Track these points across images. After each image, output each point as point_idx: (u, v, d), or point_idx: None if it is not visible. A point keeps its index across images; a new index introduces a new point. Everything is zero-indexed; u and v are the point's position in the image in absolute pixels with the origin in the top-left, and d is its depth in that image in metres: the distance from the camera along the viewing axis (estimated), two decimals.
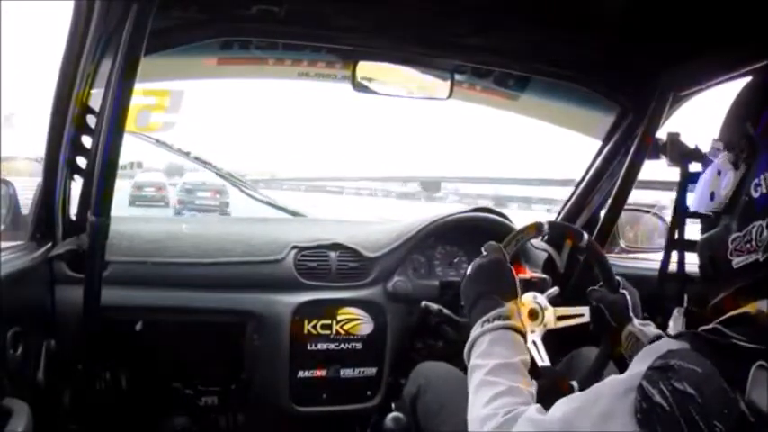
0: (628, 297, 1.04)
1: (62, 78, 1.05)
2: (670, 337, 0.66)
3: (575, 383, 0.98)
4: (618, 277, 1.07)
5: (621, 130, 1.50)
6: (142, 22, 0.95)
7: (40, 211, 1.18)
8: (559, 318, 1.05)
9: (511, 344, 0.78)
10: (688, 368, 0.55)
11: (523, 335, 0.81)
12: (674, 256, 0.83)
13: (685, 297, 0.75)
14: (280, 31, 1.29)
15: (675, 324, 0.74)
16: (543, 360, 0.98)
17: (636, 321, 1.01)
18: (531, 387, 0.74)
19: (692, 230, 0.76)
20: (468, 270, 0.91)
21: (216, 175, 1.82)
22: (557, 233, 1.15)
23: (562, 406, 0.65)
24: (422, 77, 1.39)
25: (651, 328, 1.00)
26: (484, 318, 0.81)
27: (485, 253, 0.92)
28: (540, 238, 1.60)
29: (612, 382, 0.61)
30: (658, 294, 0.86)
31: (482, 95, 1.58)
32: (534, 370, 0.94)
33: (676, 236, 0.81)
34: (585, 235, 1.08)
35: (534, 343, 1.00)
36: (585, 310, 1.07)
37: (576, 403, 0.63)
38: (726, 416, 0.52)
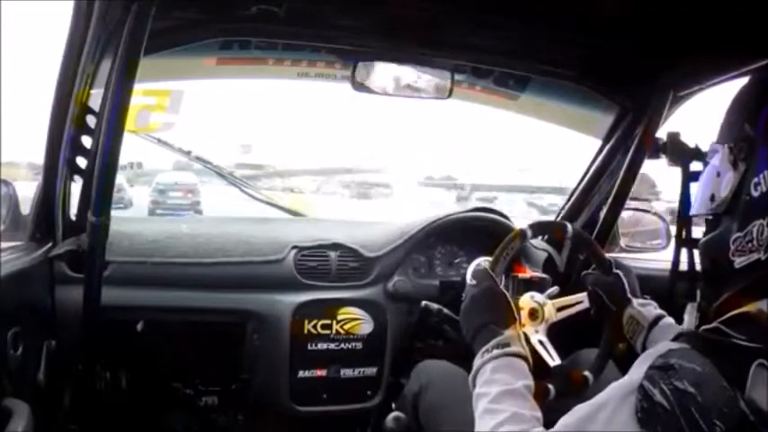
0: (623, 277, 1.03)
1: (62, 78, 1.05)
2: (672, 338, 0.66)
3: (588, 374, 0.98)
4: (609, 257, 1.07)
5: (621, 129, 1.50)
6: (142, 23, 0.95)
7: (40, 212, 1.17)
8: (559, 309, 1.05)
9: (513, 370, 0.78)
10: (688, 367, 0.55)
11: (526, 359, 0.81)
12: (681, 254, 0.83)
13: (698, 292, 0.75)
14: (280, 31, 1.29)
15: (690, 318, 0.75)
16: (554, 359, 0.98)
17: (635, 302, 1.01)
18: (537, 411, 0.74)
19: (699, 228, 0.76)
20: (463, 303, 0.91)
21: (218, 175, 1.82)
22: (540, 233, 1.15)
23: (566, 420, 0.65)
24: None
25: (651, 309, 1.00)
26: (484, 348, 0.81)
27: (474, 282, 0.92)
28: (540, 238, 1.60)
29: (613, 387, 0.61)
30: (667, 292, 0.86)
31: (482, 95, 1.58)
32: (545, 370, 0.94)
33: (683, 234, 0.81)
34: (569, 225, 1.08)
35: (541, 342, 1.00)
36: (583, 296, 1.07)
37: (580, 413, 0.63)
38: (726, 414, 0.52)
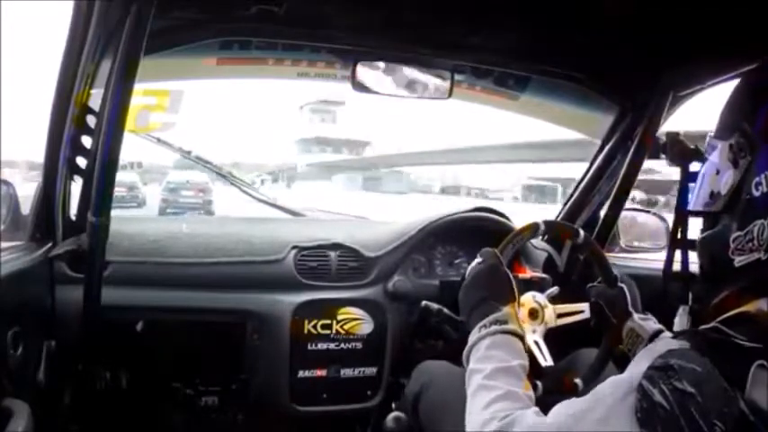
0: (626, 291, 1.03)
1: (62, 78, 1.05)
2: (672, 336, 0.66)
3: (578, 381, 0.98)
4: (615, 271, 1.07)
5: (621, 129, 1.50)
6: (142, 23, 0.95)
7: (40, 211, 1.17)
8: (559, 315, 1.05)
9: (509, 348, 0.77)
10: (688, 367, 0.55)
11: (522, 339, 0.80)
12: (675, 255, 0.83)
13: (690, 295, 0.74)
14: (279, 31, 1.29)
15: (681, 321, 0.74)
16: (546, 360, 0.98)
17: (636, 316, 1.01)
18: (530, 391, 0.74)
19: (695, 229, 0.76)
20: (465, 277, 0.90)
21: (217, 175, 1.82)
22: (553, 232, 1.16)
23: (561, 410, 0.65)
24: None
25: (651, 323, 1.00)
26: (481, 323, 0.80)
27: (480, 259, 0.91)
28: (541, 237, 1.60)
29: (612, 384, 0.61)
30: (662, 293, 0.85)
31: (482, 95, 1.58)
32: (537, 370, 0.94)
33: (679, 235, 0.81)
34: (582, 232, 1.08)
35: (536, 343, 1.00)
36: (585, 306, 1.07)
37: (575, 407, 0.63)
38: (726, 415, 0.52)
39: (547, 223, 1.03)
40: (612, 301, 1.04)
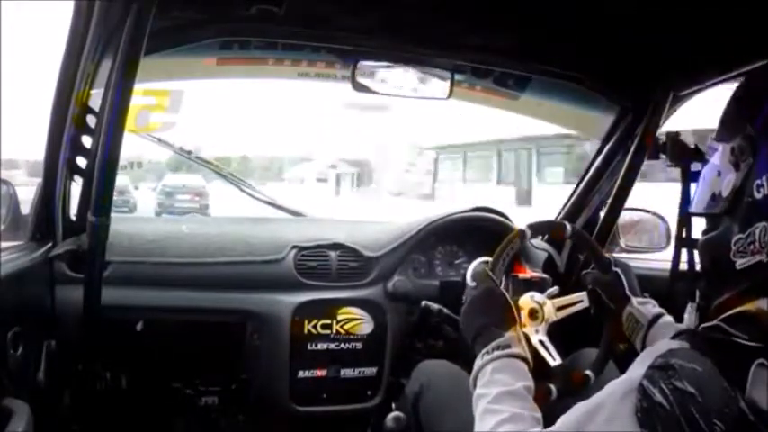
0: (621, 275, 1.03)
1: (62, 78, 1.05)
2: (672, 337, 0.66)
3: (589, 373, 0.98)
4: (608, 255, 1.07)
5: (621, 129, 1.50)
6: (142, 23, 0.95)
7: (40, 211, 1.18)
8: (559, 308, 1.05)
9: (512, 371, 0.78)
10: (688, 367, 0.55)
11: (526, 360, 0.81)
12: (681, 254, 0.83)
13: (697, 293, 0.75)
14: (279, 31, 1.29)
15: (690, 318, 0.75)
16: (554, 359, 0.98)
17: (634, 300, 1.01)
18: (537, 412, 0.74)
19: (699, 228, 0.76)
20: (463, 304, 0.91)
21: (217, 175, 1.82)
22: (540, 233, 1.16)
23: (565, 419, 0.65)
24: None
25: (650, 307, 1.00)
26: (484, 350, 0.82)
27: (474, 283, 0.92)
28: (540, 239, 1.60)
29: (612, 386, 0.61)
30: (666, 292, 0.86)
31: (482, 95, 1.58)
32: (546, 370, 0.94)
33: (683, 234, 0.81)
34: (569, 225, 1.08)
35: (541, 342, 1.00)
36: (583, 295, 1.06)
37: (578, 413, 0.63)
38: (726, 414, 0.52)
39: (532, 227, 1.03)
40: (609, 287, 1.04)
